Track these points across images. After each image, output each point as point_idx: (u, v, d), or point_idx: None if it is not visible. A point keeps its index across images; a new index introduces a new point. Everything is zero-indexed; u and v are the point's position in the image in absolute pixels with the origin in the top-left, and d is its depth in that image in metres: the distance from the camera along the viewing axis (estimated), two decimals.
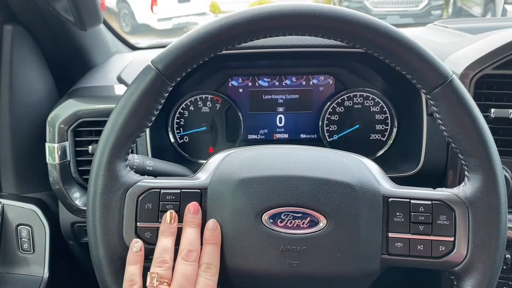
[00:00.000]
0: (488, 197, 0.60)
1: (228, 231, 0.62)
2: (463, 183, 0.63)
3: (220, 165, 0.66)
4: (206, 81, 1.03)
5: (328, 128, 1.05)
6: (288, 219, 0.61)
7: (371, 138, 1.05)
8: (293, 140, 1.07)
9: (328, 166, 0.64)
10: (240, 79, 1.04)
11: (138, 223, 0.63)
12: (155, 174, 0.77)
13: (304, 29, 0.60)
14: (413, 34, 1.18)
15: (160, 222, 0.63)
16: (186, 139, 1.06)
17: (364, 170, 0.65)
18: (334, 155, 0.67)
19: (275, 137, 1.08)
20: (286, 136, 1.08)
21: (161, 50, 0.61)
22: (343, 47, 0.92)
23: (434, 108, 0.61)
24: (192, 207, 0.63)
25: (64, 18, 0.80)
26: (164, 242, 0.61)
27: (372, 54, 0.61)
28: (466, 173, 0.62)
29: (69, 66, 1.02)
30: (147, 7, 7.66)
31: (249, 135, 1.07)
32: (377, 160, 1.03)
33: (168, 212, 0.62)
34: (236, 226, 0.62)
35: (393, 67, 0.62)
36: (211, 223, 0.62)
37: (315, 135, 1.07)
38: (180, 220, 0.63)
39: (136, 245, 0.61)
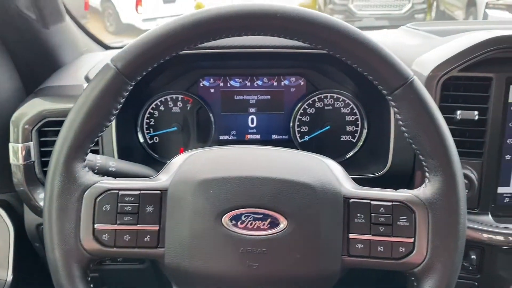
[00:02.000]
0: (447, 198, 0.60)
1: (187, 233, 0.61)
2: (424, 185, 0.63)
3: (182, 166, 0.65)
4: (176, 80, 1.02)
5: (299, 129, 1.05)
6: (249, 221, 0.61)
7: (341, 139, 1.05)
8: (265, 141, 1.07)
9: (290, 167, 0.64)
10: (211, 79, 1.04)
11: (95, 225, 0.61)
12: (118, 175, 0.76)
13: (265, 29, 0.60)
14: (384, 36, 1.19)
15: (118, 224, 0.62)
16: (156, 139, 1.05)
17: (326, 171, 0.65)
18: (297, 156, 0.67)
19: (247, 138, 1.07)
20: (258, 137, 1.07)
21: None
22: (314, 48, 0.91)
23: (396, 109, 0.61)
24: None
25: (26, 15, 0.78)
26: None
27: (334, 55, 0.61)
28: (427, 174, 0.62)
29: (36, 65, 1.00)
30: (132, 7, 7.59)
31: (220, 136, 1.06)
32: (347, 162, 1.04)
33: None
34: (195, 228, 0.61)
35: (355, 68, 0.61)
36: None
37: (287, 136, 1.07)
38: (139, 222, 0.62)
39: None
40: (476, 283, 0.89)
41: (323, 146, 1.05)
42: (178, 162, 0.66)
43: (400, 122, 0.61)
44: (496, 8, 6.27)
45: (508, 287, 0.88)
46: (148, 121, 1.03)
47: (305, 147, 1.05)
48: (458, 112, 0.84)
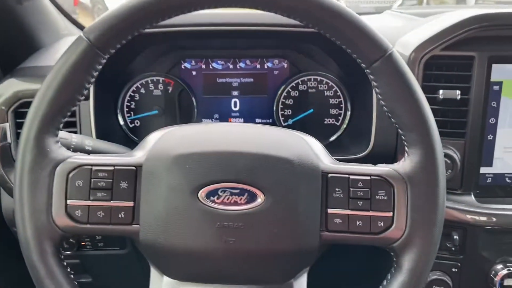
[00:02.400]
0: (426, 171, 0.59)
1: (162, 209, 0.60)
2: (403, 159, 0.62)
3: (157, 142, 0.64)
4: (157, 62, 1.01)
5: (283, 112, 1.04)
6: (225, 195, 0.60)
7: (325, 122, 1.04)
8: None
9: (267, 141, 0.63)
10: (193, 61, 1.02)
11: (68, 201, 0.60)
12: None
13: (243, 1, 0.58)
14: (368, 19, 1.18)
15: (92, 200, 0.60)
16: (137, 123, 1.03)
17: (304, 146, 0.64)
18: (274, 131, 0.66)
19: (230, 121, 1.06)
20: (241, 120, 1.06)
21: None
22: (297, 26, 0.90)
23: (374, 83, 0.60)
24: None
25: None
26: None
27: (312, 27, 0.59)
28: (406, 148, 0.61)
29: (13, 46, 0.98)
30: (121, 2, 7.52)
31: (203, 119, 1.05)
32: (331, 144, 1.03)
33: None
34: (171, 204, 0.60)
35: (334, 41, 0.60)
36: None
37: (270, 119, 1.05)
38: (113, 198, 0.61)
39: None
40: (459, 264, 0.89)
41: (307, 129, 1.02)
42: (153, 138, 0.65)
43: (379, 96, 0.60)
44: (486, 4, 6.31)
45: (491, 267, 0.88)
46: (128, 104, 1.02)
47: None
48: (441, 91, 0.83)
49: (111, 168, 0.61)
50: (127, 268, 1.06)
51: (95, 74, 0.60)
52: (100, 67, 0.60)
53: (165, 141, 0.63)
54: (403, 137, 0.61)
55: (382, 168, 0.62)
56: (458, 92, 0.83)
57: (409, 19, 1.06)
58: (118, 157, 0.64)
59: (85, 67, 0.58)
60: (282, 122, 1.04)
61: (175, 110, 1.03)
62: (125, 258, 1.02)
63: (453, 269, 0.89)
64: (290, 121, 1.05)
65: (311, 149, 0.64)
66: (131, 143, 1.02)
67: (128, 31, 0.59)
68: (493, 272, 0.87)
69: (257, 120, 1.06)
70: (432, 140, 0.59)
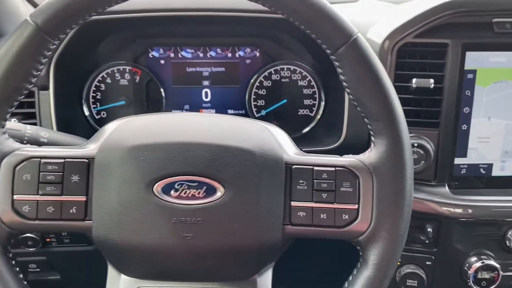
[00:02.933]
0: (392, 162, 0.57)
1: (115, 204, 0.56)
2: (369, 149, 0.59)
3: (112, 133, 0.60)
4: (124, 50, 0.96)
5: (255, 103, 1.01)
6: (183, 189, 0.57)
7: (299, 113, 1.01)
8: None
9: (228, 132, 0.60)
10: (161, 49, 0.98)
11: (15, 196, 0.56)
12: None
13: None
14: (341, 8, 1.15)
15: (41, 195, 0.57)
16: (103, 114, 0.99)
17: (267, 137, 0.61)
18: (237, 121, 0.63)
19: (201, 112, 1.02)
20: (213, 111, 1.02)
21: None
22: (268, 12, 0.87)
23: (339, 69, 0.57)
24: None
25: None
26: None
27: (276, 12, 0.56)
28: (372, 138, 0.58)
29: None
30: None
31: (172, 111, 1.01)
32: (305, 136, 1.00)
33: None
34: (124, 197, 0.56)
35: (298, 27, 0.57)
36: None
37: (243, 110, 1.02)
38: (64, 192, 0.57)
39: None
40: (433, 257, 0.87)
41: (280, 120, 1.01)
42: (107, 130, 0.61)
43: (344, 84, 0.57)
44: None
45: (465, 260, 0.86)
46: (94, 94, 0.97)
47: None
48: (414, 80, 0.81)
49: (62, 160, 0.58)
50: (96, 265, 1.02)
51: (44, 60, 0.56)
52: (50, 53, 0.56)
53: (120, 132, 0.60)
54: (369, 126, 0.58)
55: (347, 159, 0.60)
56: (432, 80, 0.81)
57: (384, 6, 1.03)
58: (69, 149, 0.60)
59: (32, 53, 0.55)
60: (255, 113, 1.01)
61: (143, 101, 0.99)
62: (92, 254, 0.98)
63: (427, 262, 0.87)
64: (263, 112, 1.01)
65: (275, 139, 0.61)
66: None
67: (78, 14, 0.55)
68: (467, 264, 0.85)
69: (230, 111, 1.03)
70: (398, 129, 0.56)
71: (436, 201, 0.84)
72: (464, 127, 0.84)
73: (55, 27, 0.55)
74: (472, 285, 0.84)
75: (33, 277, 1.04)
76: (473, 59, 0.81)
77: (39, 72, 0.57)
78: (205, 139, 0.58)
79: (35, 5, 1.12)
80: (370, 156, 0.58)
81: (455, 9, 0.78)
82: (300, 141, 0.98)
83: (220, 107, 1.02)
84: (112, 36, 0.92)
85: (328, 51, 0.57)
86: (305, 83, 1.00)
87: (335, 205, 0.58)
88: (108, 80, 0.97)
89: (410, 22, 0.80)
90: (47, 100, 0.83)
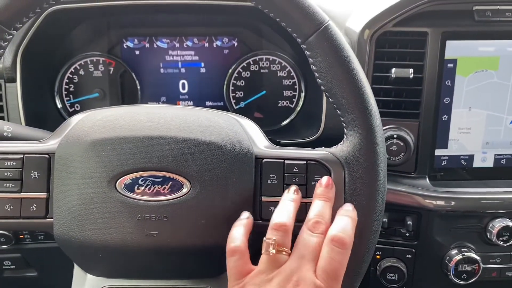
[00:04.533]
0: (364, 154, 0.55)
1: (77, 201, 0.54)
2: (341, 141, 0.57)
3: (74, 127, 0.58)
4: (96, 41, 0.93)
5: (234, 94, 0.98)
6: (147, 185, 0.54)
7: (279, 105, 0.99)
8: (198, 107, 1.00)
9: (195, 125, 0.57)
10: (136, 39, 0.95)
11: None
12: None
13: None
14: None
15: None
16: (77, 107, 0.96)
17: (237, 130, 0.59)
18: (205, 114, 0.60)
19: (179, 104, 1.00)
20: (190, 103, 1.00)
21: None
22: (244, 0, 0.84)
23: (310, 59, 0.55)
24: (325, 180, 0.55)
25: None
26: (288, 206, 0.53)
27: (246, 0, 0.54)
28: (345, 130, 0.56)
29: None
30: None
31: (149, 103, 0.99)
32: (284, 128, 0.98)
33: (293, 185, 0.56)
34: (85, 194, 0.54)
35: (268, 14, 0.55)
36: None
37: (221, 102, 1.00)
38: (23, 189, 0.55)
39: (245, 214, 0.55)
40: (413, 250, 0.85)
41: (260, 112, 0.99)
42: (70, 123, 0.59)
43: (316, 74, 0.55)
44: None
45: (445, 253, 0.85)
46: (67, 86, 0.94)
47: (241, 113, 0.98)
48: (393, 70, 0.79)
49: (20, 156, 0.56)
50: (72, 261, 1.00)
51: (1, 51, 0.54)
52: (6, 43, 0.54)
53: (82, 125, 0.57)
54: (341, 118, 0.56)
55: (319, 152, 0.58)
56: (411, 70, 0.78)
57: None
58: (29, 144, 0.58)
59: None
60: (234, 105, 0.99)
61: (118, 93, 0.96)
62: None
63: (408, 255, 0.85)
64: (242, 104, 0.99)
65: (244, 132, 0.59)
66: None
67: (34, 4, 0.52)
68: (448, 257, 0.84)
69: (208, 103, 1.00)
70: (370, 120, 0.54)
71: (417, 194, 0.82)
72: (445, 117, 0.82)
73: (10, 16, 0.52)
74: (453, 277, 0.83)
75: (9, 274, 1.02)
76: (454, 48, 0.79)
77: None
78: (170, 132, 0.56)
79: None
80: (342, 148, 0.56)
81: None
82: (279, 133, 0.96)
83: (198, 99, 1.00)
84: (83, 25, 0.89)
85: (299, 40, 0.55)
86: (284, 73, 0.98)
87: (307, 200, 0.56)
88: (81, 72, 0.94)
89: (389, 10, 0.77)
90: (14, 92, 0.80)
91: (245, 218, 0.55)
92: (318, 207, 0.54)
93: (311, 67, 0.56)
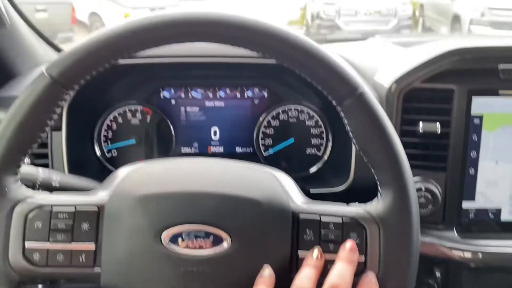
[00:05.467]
0: (398, 213, 0.57)
1: (124, 252, 0.57)
2: (376, 199, 0.60)
3: (122, 180, 0.61)
4: (135, 91, 0.99)
5: (263, 142, 1.02)
6: (190, 239, 0.57)
7: (307, 152, 1.02)
8: (228, 153, 1.03)
9: (235, 180, 0.61)
10: (172, 90, 1.00)
11: (26, 243, 0.57)
12: (63, 190, 0.72)
13: (214, 37, 0.57)
14: (351, 47, 1.17)
15: (51, 242, 0.58)
16: (114, 153, 1.01)
17: (274, 185, 0.62)
18: (243, 169, 0.64)
19: (210, 150, 1.04)
20: (221, 149, 1.04)
21: None
22: None
23: (345, 120, 0.59)
24: (349, 244, 0.57)
25: None
26: (310, 272, 0.56)
27: (282, 64, 0.58)
28: (379, 188, 0.59)
29: None
30: (119, 20, 7.61)
31: (182, 148, 1.03)
32: (311, 176, 1.01)
33: (316, 249, 0.58)
34: (133, 247, 0.57)
35: (304, 78, 0.59)
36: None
37: (251, 148, 1.03)
38: (74, 240, 0.58)
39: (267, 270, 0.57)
40: None
41: (288, 159, 1.02)
42: (118, 176, 0.62)
43: (351, 134, 0.59)
44: (480, 24, 6.38)
45: None
46: (105, 133, 0.99)
47: (270, 160, 1.02)
48: (420, 124, 0.82)
49: (72, 208, 0.59)
50: None
51: (58, 110, 0.58)
52: (64, 102, 0.58)
53: (130, 179, 0.61)
54: (375, 176, 0.59)
55: (354, 209, 0.60)
56: (438, 125, 0.81)
57: (392, 48, 1.05)
58: (80, 196, 0.61)
59: (47, 105, 0.56)
60: (263, 152, 1.02)
61: (154, 139, 1.01)
62: None
63: None
64: (271, 151, 1.03)
65: (281, 187, 0.62)
66: (108, 174, 0.99)
67: (92, 67, 0.57)
68: None
69: (238, 149, 1.04)
70: (404, 180, 0.57)
71: (444, 245, 0.84)
72: (472, 171, 0.84)
73: (70, 79, 0.56)
74: None
75: None
76: (479, 105, 0.81)
77: (53, 121, 0.58)
78: (211, 188, 0.59)
79: (50, 44, 1.16)
80: (377, 206, 0.59)
81: (461, 55, 0.80)
82: (307, 180, 0.98)
83: (229, 145, 1.04)
84: (124, 79, 0.95)
85: (334, 102, 0.59)
86: (312, 123, 1.01)
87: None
88: (120, 120, 0.99)
89: (417, 68, 0.81)
90: (59, 141, 0.85)
91: (267, 276, 0.56)
92: (341, 269, 0.56)
93: (345, 127, 0.59)
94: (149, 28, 0.55)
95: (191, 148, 1.03)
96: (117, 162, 1.00)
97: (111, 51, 0.56)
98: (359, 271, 0.58)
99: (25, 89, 0.57)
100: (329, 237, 0.59)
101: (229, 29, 0.55)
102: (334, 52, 1.06)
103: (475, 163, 0.83)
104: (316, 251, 0.58)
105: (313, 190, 0.88)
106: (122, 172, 0.63)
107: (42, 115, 0.57)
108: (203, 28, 0.55)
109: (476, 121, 0.82)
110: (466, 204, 0.85)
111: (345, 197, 0.89)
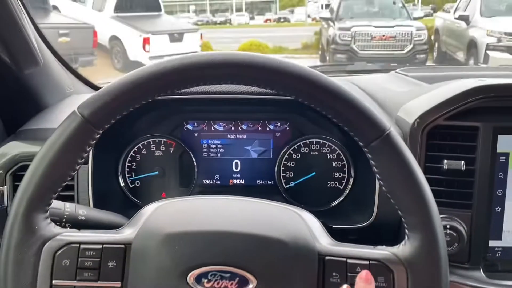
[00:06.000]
0: (427, 258, 0.56)
1: None
2: (403, 242, 0.59)
3: (148, 218, 0.62)
4: (160, 124, 1.01)
5: (284, 174, 1.02)
6: (216, 279, 0.57)
7: (328, 186, 1.01)
8: (249, 186, 1.04)
9: (260, 220, 0.61)
10: (195, 123, 1.02)
11: (53, 281, 0.58)
12: (89, 224, 0.73)
13: (240, 79, 0.58)
14: (373, 81, 1.18)
15: (78, 280, 0.58)
16: (137, 183, 1.02)
17: (300, 225, 0.62)
18: (268, 208, 0.64)
19: (231, 182, 1.04)
20: (242, 182, 1.04)
21: None
22: None
23: (372, 162, 0.59)
24: (363, 274, 0.57)
25: (2, 59, 0.78)
26: None
27: (309, 105, 0.59)
28: (406, 231, 0.58)
29: (18, 107, 0.99)
30: (139, 45, 7.80)
31: (204, 181, 1.04)
32: (332, 210, 1.00)
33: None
34: (159, 286, 0.57)
35: (331, 119, 0.59)
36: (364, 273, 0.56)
37: (272, 181, 1.04)
38: (100, 278, 0.58)
39: None
40: None
41: (309, 192, 1.02)
42: (145, 213, 0.63)
43: (378, 176, 0.58)
44: (497, 49, 6.35)
45: None
46: (129, 164, 1.01)
47: (290, 193, 1.02)
48: (445, 161, 0.81)
49: (99, 246, 0.60)
50: None
51: (89, 149, 0.60)
52: (94, 141, 0.60)
53: (157, 216, 0.62)
54: (403, 219, 0.58)
55: (381, 252, 0.59)
56: (463, 163, 0.81)
57: (414, 83, 1.05)
58: (107, 233, 0.62)
59: (78, 144, 0.58)
60: (284, 185, 1.02)
61: (176, 171, 1.02)
62: None
63: None
64: (292, 184, 1.02)
65: (307, 227, 0.62)
66: (131, 205, 1.00)
67: (122, 107, 0.58)
68: None
69: (259, 181, 1.04)
70: (433, 224, 0.56)
71: (471, 285, 0.82)
72: (498, 209, 0.82)
73: (101, 119, 0.58)
74: None
75: None
76: (505, 142, 0.81)
77: (83, 160, 0.60)
78: (237, 228, 0.59)
79: (79, 77, 1.19)
80: (404, 249, 0.58)
81: (485, 94, 0.80)
82: (328, 215, 0.98)
83: (250, 178, 1.04)
84: (149, 113, 0.97)
85: (361, 144, 0.59)
86: (334, 156, 1.01)
87: None
88: (144, 151, 1.01)
89: (441, 105, 0.81)
90: (86, 174, 0.87)
91: None
92: None
93: (372, 168, 0.59)
94: (180, 70, 0.56)
95: (212, 180, 1.04)
96: (140, 193, 1.01)
97: (142, 93, 0.57)
98: None
99: (57, 128, 0.58)
100: (355, 281, 0.58)
101: (264, 73, 0.56)
102: (359, 91, 1.07)
103: (501, 201, 0.82)
104: None
105: (335, 226, 0.87)
106: (149, 210, 0.64)
107: (73, 154, 0.58)
108: (233, 70, 0.57)
109: (502, 159, 0.81)
110: (492, 243, 0.83)
111: (366, 233, 0.88)
